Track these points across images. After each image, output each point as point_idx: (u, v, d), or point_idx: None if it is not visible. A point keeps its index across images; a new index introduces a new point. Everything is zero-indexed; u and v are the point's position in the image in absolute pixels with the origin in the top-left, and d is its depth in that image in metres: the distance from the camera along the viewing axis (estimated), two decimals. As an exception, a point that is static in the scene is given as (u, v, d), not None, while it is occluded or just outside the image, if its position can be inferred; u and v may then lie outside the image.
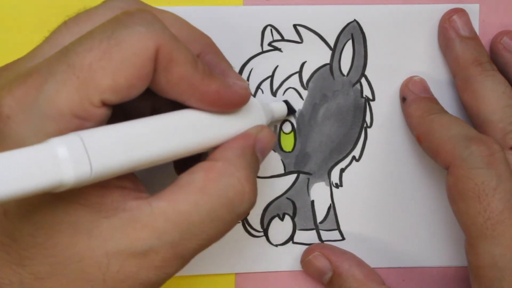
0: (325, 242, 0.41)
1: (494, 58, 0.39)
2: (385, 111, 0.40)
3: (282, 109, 0.38)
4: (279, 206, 0.40)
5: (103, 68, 0.26)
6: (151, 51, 0.27)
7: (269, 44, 0.39)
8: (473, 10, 0.39)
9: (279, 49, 0.39)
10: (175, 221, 0.28)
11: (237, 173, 0.29)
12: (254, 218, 0.40)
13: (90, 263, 0.27)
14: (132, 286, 0.28)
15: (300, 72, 0.39)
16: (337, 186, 0.40)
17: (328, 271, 0.39)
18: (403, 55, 0.40)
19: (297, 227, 0.40)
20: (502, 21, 0.40)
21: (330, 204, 0.40)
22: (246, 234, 0.40)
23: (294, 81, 0.39)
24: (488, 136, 0.35)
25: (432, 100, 0.39)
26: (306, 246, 0.40)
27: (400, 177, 0.40)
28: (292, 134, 0.40)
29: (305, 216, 0.40)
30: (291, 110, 0.39)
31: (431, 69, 0.40)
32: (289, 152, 0.40)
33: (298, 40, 0.39)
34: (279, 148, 0.40)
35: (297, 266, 0.41)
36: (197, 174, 0.29)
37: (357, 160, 0.40)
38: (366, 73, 0.40)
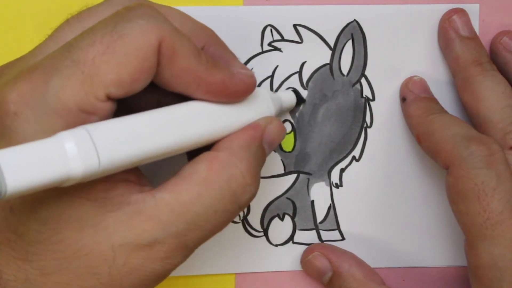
0: (325, 242, 0.41)
1: (494, 58, 0.39)
2: (385, 111, 0.40)
3: (291, 98, 0.38)
4: (279, 206, 0.40)
5: (107, 62, 0.26)
6: (153, 44, 0.27)
7: (269, 44, 0.39)
8: (473, 10, 0.39)
9: (279, 49, 0.39)
10: (179, 212, 0.28)
11: (240, 164, 0.30)
12: (254, 218, 0.40)
13: (96, 257, 0.27)
14: (138, 278, 0.28)
15: (300, 72, 0.39)
16: (337, 186, 0.40)
17: (328, 271, 0.39)
18: (403, 55, 0.40)
19: (297, 227, 0.40)
20: (502, 21, 0.40)
21: (330, 204, 0.40)
22: (246, 234, 0.40)
23: (294, 81, 0.39)
24: (488, 136, 0.35)
25: (432, 100, 0.39)
26: (306, 246, 0.40)
27: (400, 177, 0.40)
28: (292, 134, 0.40)
29: (305, 216, 0.40)
30: (300, 100, 0.39)
31: (431, 69, 0.40)
32: (289, 152, 0.40)
33: (298, 40, 0.39)
34: (279, 148, 0.40)
35: (297, 266, 0.41)
36: (200, 165, 0.29)
37: (357, 160, 0.40)
38: (366, 73, 0.40)
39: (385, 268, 0.41)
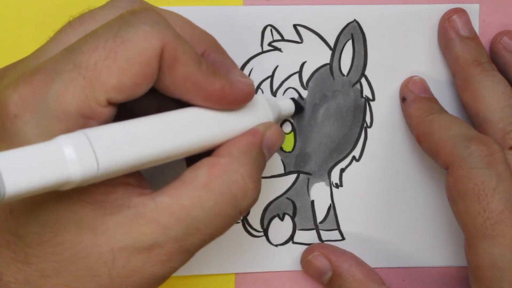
0: (325, 242, 0.41)
1: (494, 58, 0.39)
2: (385, 111, 0.40)
3: (289, 106, 0.38)
4: (279, 206, 0.40)
5: (109, 67, 0.26)
6: (156, 50, 0.27)
7: (269, 44, 0.39)
8: (473, 10, 0.39)
9: (279, 49, 0.39)
10: (179, 216, 0.28)
11: (241, 169, 0.30)
12: (254, 218, 0.40)
13: (96, 260, 0.27)
14: (138, 281, 0.28)
15: (300, 72, 0.39)
16: (337, 186, 0.40)
17: (328, 271, 0.39)
18: (403, 55, 0.40)
19: (297, 227, 0.40)
20: (502, 21, 0.40)
21: (330, 204, 0.40)
22: (246, 234, 0.40)
23: (294, 81, 0.39)
24: (487, 136, 0.35)
25: (432, 100, 0.39)
26: (306, 246, 0.40)
27: (400, 177, 0.40)
28: (292, 134, 0.40)
29: (305, 216, 0.40)
30: (299, 108, 0.39)
31: (431, 69, 0.40)
32: (289, 152, 0.40)
33: (298, 40, 0.39)
34: (279, 148, 0.40)
35: (297, 266, 0.41)
36: (201, 170, 0.29)
37: (357, 160, 0.40)
38: (366, 73, 0.40)
39: (385, 268, 0.41)
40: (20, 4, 0.38)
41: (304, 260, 0.40)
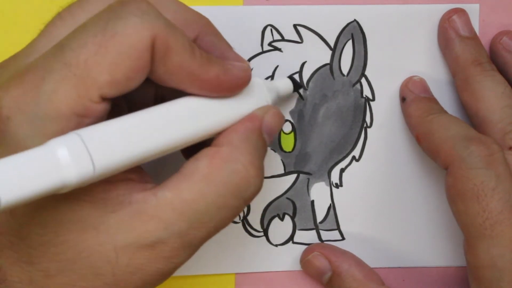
0: (325, 242, 0.41)
1: (494, 58, 0.39)
2: (385, 111, 0.40)
3: (287, 86, 0.37)
4: (279, 206, 0.40)
5: (99, 63, 0.26)
6: (147, 41, 0.26)
7: (269, 44, 0.39)
8: (473, 10, 0.39)
9: (279, 49, 0.39)
10: (182, 210, 0.28)
11: (242, 158, 0.29)
12: (254, 218, 0.40)
13: (99, 258, 0.27)
14: (142, 278, 0.28)
15: (300, 72, 0.39)
16: (337, 186, 0.40)
17: (327, 271, 0.39)
18: (403, 55, 0.40)
19: (297, 227, 0.40)
20: (502, 21, 0.40)
21: (330, 204, 0.40)
22: (246, 234, 0.40)
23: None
24: (487, 136, 0.35)
25: (432, 100, 0.39)
26: (306, 246, 0.40)
27: (400, 177, 0.40)
28: (292, 134, 0.40)
29: (305, 216, 0.40)
30: (297, 86, 0.38)
31: (431, 69, 0.40)
32: (289, 152, 0.40)
33: (298, 40, 0.39)
34: (279, 148, 0.40)
35: (297, 266, 0.41)
36: (201, 161, 0.29)
37: (357, 160, 0.40)
38: (366, 73, 0.40)
39: (385, 268, 0.41)
40: (20, 3, 0.38)
41: (304, 260, 0.40)
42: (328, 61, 0.39)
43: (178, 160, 0.33)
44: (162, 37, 0.27)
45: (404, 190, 0.41)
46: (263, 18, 0.39)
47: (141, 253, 0.27)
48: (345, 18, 0.39)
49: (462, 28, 0.38)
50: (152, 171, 0.31)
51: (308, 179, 0.40)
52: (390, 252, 0.41)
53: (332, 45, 0.39)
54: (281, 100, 0.39)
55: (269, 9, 0.39)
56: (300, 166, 0.40)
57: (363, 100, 0.40)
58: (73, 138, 0.25)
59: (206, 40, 0.31)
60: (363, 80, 0.40)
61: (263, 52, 0.39)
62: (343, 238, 0.41)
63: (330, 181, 0.40)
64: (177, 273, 0.39)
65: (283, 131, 0.40)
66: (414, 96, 0.39)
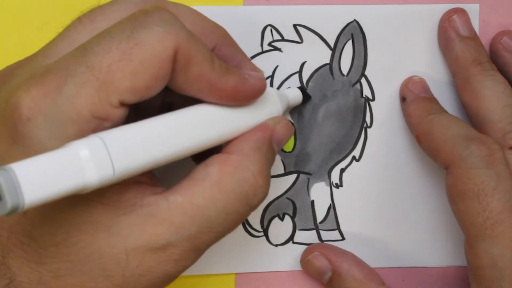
0: (325, 242, 0.41)
1: (494, 58, 0.39)
2: (385, 111, 0.40)
3: (297, 96, 0.38)
4: (279, 206, 0.40)
5: (122, 69, 0.26)
6: (170, 51, 0.27)
7: (269, 44, 0.39)
8: (473, 10, 0.39)
9: (279, 49, 0.39)
10: (192, 215, 0.28)
11: (252, 167, 0.30)
12: (254, 218, 0.40)
13: (109, 260, 0.27)
14: (150, 280, 0.28)
15: (300, 72, 0.39)
16: (337, 186, 0.40)
17: (327, 271, 0.39)
18: (403, 55, 0.40)
19: (297, 227, 0.40)
20: (502, 21, 0.40)
21: (330, 204, 0.40)
22: (246, 234, 0.40)
23: (294, 81, 0.39)
24: (487, 136, 0.35)
25: (432, 100, 0.39)
26: (306, 246, 0.40)
27: (400, 177, 0.40)
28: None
29: (305, 216, 0.40)
30: (306, 97, 0.39)
31: (431, 69, 0.40)
32: (289, 152, 0.40)
33: (298, 40, 0.39)
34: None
35: (297, 266, 0.41)
36: (212, 167, 0.29)
37: (357, 160, 0.40)
38: (366, 73, 0.40)
39: (385, 268, 0.41)
40: (22, 2, 0.38)
41: (304, 260, 0.40)
42: (328, 61, 0.39)
43: (184, 163, 0.33)
44: (184, 48, 0.27)
45: (404, 190, 0.41)
46: (263, 18, 0.39)
47: (151, 255, 0.28)
48: (345, 18, 0.39)
49: (462, 28, 0.38)
50: (159, 173, 0.31)
51: (308, 179, 0.40)
52: (390, 252, 0.41)
53: (332, 45, 0.39)
54: (289, 109, 0.39)
55: (269, 9, 0.39)
56: (300, 166, 0.40)
57: (363, 100, 0.40)
58: (95, 140, 0.25)
59: (223, 50, 0.32)
60: (363, 80, 0.40)
61: (263, 52, 0.39)
62: (343, 238, 0.41)
63: (330, 181, 0.40)
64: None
65: (283, 131, 0.40)
66: (414, 96, 0.39)
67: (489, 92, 0.37)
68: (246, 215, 0.30)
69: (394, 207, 0.41)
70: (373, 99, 0.40)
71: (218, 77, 0.29)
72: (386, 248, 0.41)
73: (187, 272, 0.40)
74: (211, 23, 0.32)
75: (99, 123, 0.27)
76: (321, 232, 0.41)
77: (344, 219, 0.41)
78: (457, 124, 0.36)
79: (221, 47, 0.32)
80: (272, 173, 0.40)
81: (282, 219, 0.40)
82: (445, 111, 0.38)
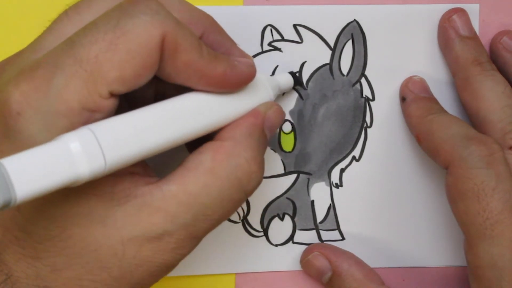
0: (325, 242, 0.41)
1: (494, 58, 0.39)
2: (385, 111, 0.40)
3: (288, 81, 0.38)
4: (279, 206, 0.40)
5: (110, 59, 0.26)
6: (157, 40, 0.27)
7: (269, 44, 0.39)
8: (473, 10, 0.39)
9: (279, 49, 0.39)
10: (187, 203, 0.28)
11: (245, 153, 0.30)
12: (254, 218, 0.40)
13: (106, 252, 0.27)
14: (148, 270, 0.28)
15: (300, 72, 0.39)
16: (337, 186, 0.40)
17: (327, 271, 0.39)
18: (403, 55, 0.40)
19: (297, 227, 0.40)
20: (502, 21, 0.40)
21: (330, 204, 0.40)
22: (246, 234, 0.40)
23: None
24: (487, 136, 0.35)
25: (432, 100, 0.39)
26: (306, 246, 0.40)
27: (400, 177, 0.40)
28: (292, 134, 0.40)
29: (305, 216, 0.40)
30: (297, 82, 0.39)
31: (431, 69, 0.40)
32: (289, 152, 0.40)
33: (298, 40, 0.39)
34: (279, 148, 0.40)
35: (297, 266, 0.41)
36: (205, 155, 0.29)
37: (357, 160, 0.40)
38: (366, 73, 0.40)
39: (385, 268, 0.41)
40: (20, 3, 0.38)
41: (304, 260, 0.40)
42: (328, 61, 0.39)
43: (176, 152, 0.33)
44: (172, 36, 0.27)
45: (404, 190, 0.41)
46: (263, 18, 0.39)
47: (147, 245, 0.28)
48: (345, 18, 0.39)
49: (462, 28, 0.38)
50: (152, 164, 0.31)
51: (308, 179, 0.40)
52: (390, 252, 0.41)
53: (332, 45, 0.39)
54: (281, 94, 0.39)
55: (269, 9, 0.39)
56: (300, 166, 0.40)
57: (363, 100, 0.40)
58: (85, 133, 0.25)
59: (211, 38, 0.32)
60: (363, 80, 0.40)
61: (263, 52, 0.39)
62: (343, 238, 0.41)
63: (330, 181, 0.40)
64: (178, 273, 0.39)
65: (283, 131, 0.40)
66: (414, 96, 0.39)
67: (489, 92, 0.37)
68: (241, 202, 0.30)
69: (394, 207, 0.41)
70: (373, 99, 0.40)
71: (206, 64, 0.29)
72: (386, 248, 0.41)
73: (187, 272, 0.40)
74: (198, 10, 0.32)
75: (90, 115, 0.27)
76: (321, 232, 0.41)
77: (344, 219, 0.41)
78: (457, 124, 0.36)
79: (209, 35, 0.32)
80: (272, 173, 0.40)
81: (282, 219, 0.40)
82: (445, 111, 0.38)
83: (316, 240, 0.41)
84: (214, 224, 0.30)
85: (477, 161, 0.34)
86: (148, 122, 0.28)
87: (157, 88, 0.33)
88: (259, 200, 0.40)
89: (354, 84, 0.40)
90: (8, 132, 0.26)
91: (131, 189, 0.28)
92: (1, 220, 0.28)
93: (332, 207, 0.40)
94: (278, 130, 0.40)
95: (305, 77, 0.39)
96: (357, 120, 0.40)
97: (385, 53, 0.40)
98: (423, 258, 0.41)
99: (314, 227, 0.41)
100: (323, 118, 0.40)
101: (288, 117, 0.39)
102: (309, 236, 0.41)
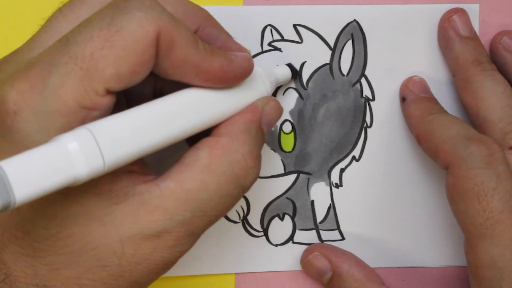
0: (325, 242, 0.41)
1: (494, 58, 0.39)
2: (385, 111, 0.40)
3: (286, 73, 0.38)
4: (279, 206, 0.40)
5: (105, 57, 0.26)
6: (152, 36, 0.27)
7: (269, 44, 0.39)
8: (473, 10, 0.39)
9: (279, 49, 0.39)
10: (185, 200, 0.28)
11: (241, 149, 0.30)
12: (254, 218, 0.40)
13: (105, 250, 0.27)
14: (147, 268, 0.28)
15: (300, 72, 0.39)
16: (337, 186, 0.40)
17: (328, 271, 0.39)
18: (403, 55, 0.40)
19: (297, 227, 0.40)
20: (502, 21, 0.40)
21: (330, 204, 0.40)
22: (246, 234, 0.40)
23: (294, 81, 0.39)
24: (487, 136, 0.35)
25: (432, 100, 0.39)
26: (306, 246, 0.40)
27: (400, 177, 0.40)
28: (292, 134, 0.40)
29: (305, 216, 0.40)
30: (294, 73, 0.39)
31: (431, 69, 0.40)
32: (289, 152, 0.40)
33: (298, 40, 0.39)
34: (279, 148, 0.40)
35: (297, 266, 0.41)
36: (201, 151, 0.29)
37: (357, 160, 0.40)
38: (366, 73, 0.40)
39: (385, 268, 0.41)
40: (20, 3, 0.38)
41: (304, 260, 0.40)
42: (328, 61, 0.39)
43: (176, 148, 0.33)
44: (167, 31, 0.27)
45: (404, 190, 0.41)
46: (263, 18, 0.39)
47: (146, 243, 0.28)
48: (345, 18, 0.39)
49: (462, 28, 0.38)
50: (149, 160, 0.31)
51: (308, 179, 0.40)
52: (390, 252, 0.41)
53: (332, 45, 0.39)
54: (281, 94, 0.39)
55: (269, 9, 0.39)
56: (300, 166, 0.40)
57: (363, 100, 0.40)
58: (83, 133, 0.25)
59: (206, 32, 0.32)
60: (363, 80, 0.40)
61: (263, 52, 0.39)
62: (343, 238, 0.41)
63: (330, 181, 0.40)
64: (178, 273, 0.39)
65: (283, 131, 0.40)
66: (414, 96, 0.39)
67: (489, 92, 0.37)
68: (239, 197, 0.30)
69: (394, 207, 0.41)
70: (373, 99, 0.40)
71: (202, 59, 0.29)
72: (386, 248, 0.41)
73: (187, 272, 0.40)
74: (193, 5, 0.32)
75: (87, 113, 0.27)
76: (321, 232, 0.41)
77: (344, 219, 0.41)
78: (457, 124, 0.36)
79: (204, 29, 0.31)
80: (272, 173, 0.40)
81: (282, 219, 0.40)
82: (445, 111, 0.38)
83: (316, 240, 0.41)
84: (212, 220, 0.30)
85: (477, 161, 0.34)
86: (145, 120, 0.28)
87: (155, 85, 0.33)
88: (259, 200, 0.40)
89: (354, 84, 0.40)
90: (4, 131, 0.26)
91: (129, 187, 0.28)
92: (0, 219, 0.28)
93: (332, 207, 0.40)
94: (278, 128, 0.40)
95: (305, 77, 0.39)
96: (357, 120, 0.40)
97: (385, 53, 0.40)
98: (423, 258, 0.41)
99: (314, 227, 0.41)
100: (323, 118, 0.40)
101: (288, 117, 0.39)
102: (309, 236, 0.41)
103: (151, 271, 0.29)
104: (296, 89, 0.39)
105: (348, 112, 0.40)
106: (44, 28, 0.30)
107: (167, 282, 0.40)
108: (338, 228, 0.41)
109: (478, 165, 0.34)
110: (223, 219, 0.40)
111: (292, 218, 0.40)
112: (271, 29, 0.39)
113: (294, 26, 0.39)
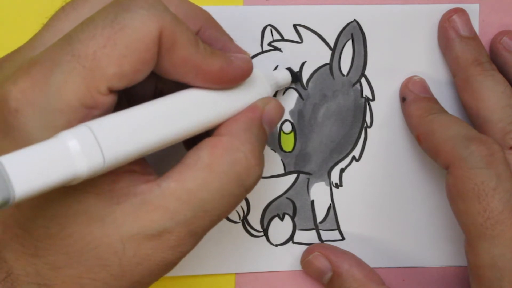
0: (325, 242, 0.41)
1: (494, 58, 0.39)
2: (385, 111, 0.40)
3: (286, 77, 0.38)
4: (279, 206, 0.40)
5: (108, 55, 0.26)
6: (154, 34, 0.27)
7: (269, 44, 0.39)
8: (473, 10, 0.39)
9: (279, 49, 0.39)
10: (186, 200, 0.28)
11: (243, 147, 0.30)
12: (254, 218, 0.40)
13: (106, 250, 0.27)
14: (148, 268, 0.28)
15: (300, 72, 0.39)
16: (337, 186, 0.40)
17: (328, 271, 0.39)
18: (403, 55, 0.40)
19: (297, 227, 0.40)
20: (502, 21, 0.40)
21: (330, 204, 0.40)
22: (246, 234, 0.40)
23: (294, 82, 0.39)
24: (487, 136, 0.35)
25: (432, 100, 0.39)
26: (306, 246, 0.40)
27: (400, 177, 0.40)
28: (292, 134, 0.40)
29: (305, 216, 0.40)
30: (295, 77, 0.39)
31: (431, 69, 0.40)
32: (289, 152, 0.40)
33: (298, 40, 0.39)
34: (279, 148, 0.40)
35: (297, 266, 0.41)
36: (203, 151, 0.29)
37: (357, 160, 0.40)
38: (366, 73, 0.40)
39: (385, 268, 0.41)
40: (20, 3, 0.38)
41: (304, 260, 0.40)
42: (328, 61, 0.39)
43: (175, 149, 0.33)
44: (169, 31, 0.27)
45: (404, 190, 0.41)
46: (263, 18, 0.39)
47: (147, 243, 0.28)
48: (345, 18, 0.39)
49: (462, 28, 0.38)
50: (151, 161, 0.31)
51: (308, 179, 0.40)
52: (390, 252, 0.41)
53: (332, 45, 0.39)
54: (281, 93, 0.39)
55: (269, 9, 0.39)
56: (300, 166, 0.40)
57: (363, 100, 0.40)
58: (83, 130, 0.25)
59: (208, 34, 0.32)
60: (363, 80, 0.40)
61: (263, 52, 0.39)
62: (343, 238, 0.41)
63: (330, 181, 0.40)
64: (178, 273, 0.39)
65: (283, 131, 0.40)
66: (414, 96, 0.39)
67: (489, 92, 0.37)
68: (241, 197, 0.30)
69: (394, 207, 0.41)
70: (373, 99, 0.40)
71: (203, 60, 0.29)
72: (386, 248, 0.41)
73: (187, 272, 0.40)
74: (195, 6, 0.32)
75: (88, 112, 0.27)
76: (321, 232, 0.41)
77: (344, 219, 0.41)
78: (457, 124, 0.36)
79: (205, 30, 0.32)
80: (272, 173, 0.40)
81: (282, 219, 0.40)
82: (445, 111, 0.38)
83: (316, 240, 0.41)
84: (215, 220, 0.29)
85: (478, 161, 0.34)
86: (145, 119, 0.28)
87: (156, 86, 0.34)
88: (259, 200, 0.40)
89: (354, 84, 0.40)
90: (6, 129, 0.26)
91: (130, 187, 0.28)
92: (2, 217, 0.28)
93: (332, 207, 0.40)
94: (278, 127, 0.40)
95: (305, 77, 0.39)
96: (357, 120, 0.40)
97: (385, 53, 0.40)
98: (423, 258, 0.41)
99: (314, 227, 0.41)
100: (323, 118, 0.40)
101: (288, 117, 0.39)
102: (309, 236, 0.41)
103: (152, 272, 0.28)
104: (296, 89, 0.39)
105: (348, 112, 0.40)
106: (46, 27, 0.30)
107: (167, 282, 0.40)
108: (338, 228, 0.41)
109: (478, 165, 0.34)
110: (223, 219, 0.40)
111: (292, 218, 0.40)
112: (271, 29, 0.39)
113: (294, 26, 0.39)
